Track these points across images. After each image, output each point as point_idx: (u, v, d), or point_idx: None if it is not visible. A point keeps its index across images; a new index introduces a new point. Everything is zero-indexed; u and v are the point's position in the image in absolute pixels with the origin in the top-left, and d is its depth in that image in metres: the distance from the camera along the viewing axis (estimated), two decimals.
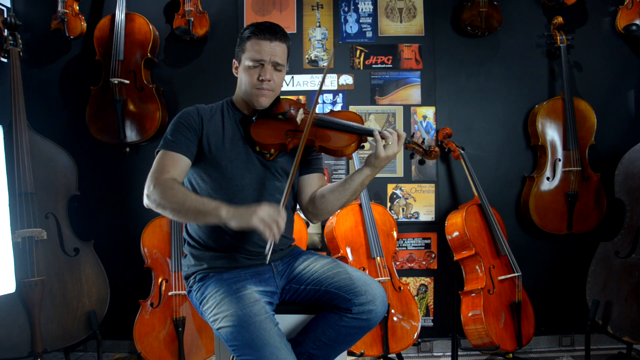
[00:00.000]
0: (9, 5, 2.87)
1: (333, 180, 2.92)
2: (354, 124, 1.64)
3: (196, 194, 1.56)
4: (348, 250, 2.57)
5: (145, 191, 1.53)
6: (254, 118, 1.64)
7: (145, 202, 1.54)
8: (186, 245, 1.68)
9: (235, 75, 1.70)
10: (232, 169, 1.61)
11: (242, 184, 1.62)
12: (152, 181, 1.53)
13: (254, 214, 1.38)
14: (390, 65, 2.97)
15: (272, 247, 1.42)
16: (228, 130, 1.64)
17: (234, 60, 1.70)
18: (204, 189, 1.63)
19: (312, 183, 1.75)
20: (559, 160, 2.79)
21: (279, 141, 1.61)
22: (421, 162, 1.71)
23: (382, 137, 1.58)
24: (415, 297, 2.93)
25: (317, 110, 1.68)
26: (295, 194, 1.79)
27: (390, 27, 2.99)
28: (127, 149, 2.84)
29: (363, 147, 1.70)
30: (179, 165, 1.57)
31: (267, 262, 1.53)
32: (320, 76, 2.94)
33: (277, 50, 1.61)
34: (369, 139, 1.63)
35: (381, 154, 1.57)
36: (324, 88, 2.95)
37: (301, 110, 1.67)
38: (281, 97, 1.72)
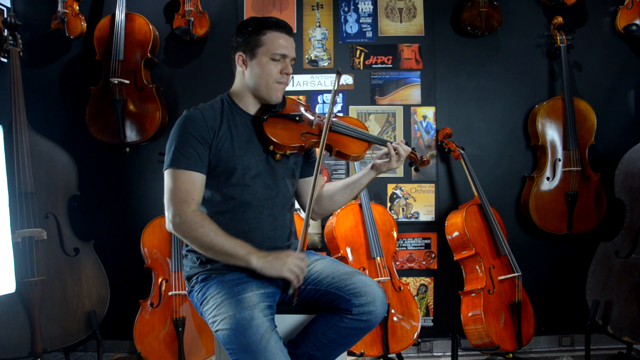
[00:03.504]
0: (9, 5, 2.87)
1: (332, 180, 2.92)
2: (367, 132, 1.77)
3: (225, 233, 1.51)
4: (348, 250, 2.57)
5: (171, 220, 1.50)
6: (265, 117, 1.61)
7: (170, 229, 1.52)
8: (188, 247, 1.64)
9: (241, 68, 1.64)
10: (244, 174, 1.58)
11: (255, 191, 1.60)
12: (179, 214, 1.49)
13: (284, 266, 1.49)
14: (390, 65, 2.97)
15: (295, 291, 1.54)
16: (236, 132, 1.60)
17: (238, 53, 1.63)
18: (213, 199, 1.59)
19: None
20: (559, 160, 2.79)
21: (297, 143, 1.62)
22: (416, 170, 1.86)
23: (395, 151, 1.72)
24: (415, 297, 2.93)
25: (319, 111, 1.72)
26: (297, 196, 1.81)
27: (390, 27, 2.99)
28: (127, 149, 2.84)
29: None
30: (199, 186, 1.54)
31: (294, 305, 1.61)
32: (320, 76, 2.95)
33: (293, 45, 1.65)
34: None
35: (393, 165, 1.73)
36: (323, 88, 2.95)
37: (314, 113, 1.72)
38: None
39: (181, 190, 1.51)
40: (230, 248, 1.48)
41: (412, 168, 1.85)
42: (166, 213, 1.52)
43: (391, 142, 1.73)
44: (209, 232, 1.49)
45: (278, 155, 1.63)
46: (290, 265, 1.49)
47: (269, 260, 1.49)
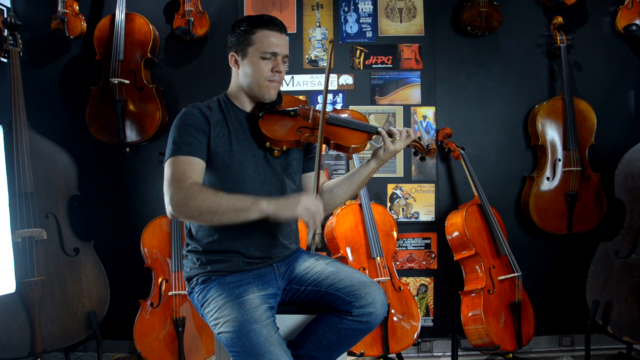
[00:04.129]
0: (9, 5, 2.87)
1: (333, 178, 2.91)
2: (362, 122, 1.74)
3: (225, 193, 1.46)
4: (348, 250, 2.57)
5: (169, 202, 1.44)
6: (260, 114, 1.62)
7: (171, 212, 1.45)
8: (188, 247, 1.65)
9: (235, 68, 1.65)
10: (242, 171, 1.59)
11: (253, 187, 1.60)
12: (176, 190, 1.44)
13: (298, 204, 1.42)
14: (390, 65, 2.97)
15: (315, 236, 1.46)
16: (233, 130, 1.61)
17: (231, 53, 1.64)
18: None
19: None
20: (559, 160, 2.79)
21: (293, 138, 1.62)
22: (422, 159, 1.85)
23: (390, 135, 1.68)
24: (415, 297, 2.93)
25: (318, 108, 1.71)
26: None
27: (390, 27, 2.99)
28: (127, 149, 2.84)
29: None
30: (197, 168, 1.52)
31: (313, 252, 1.55)
32: (320, 76, 2.95)
33: (286, 42, 1.63)
34: (373, 136, 1.74)
35: (390, 148, 1.67)
36: (323, 87, 2.94)
37: (310, 107, 1.72)
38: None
39: (178, 172, 1.48)
40: (236, 203, 1.44)
41: (418, 157, 1.84)
42: (165, 199, 1.47)
43: (385, 128, 1.71)
44: (208, 194, 1.44)
45: (276, 151, 1.64)
46: (305, 203, 1.42)
47: (281, 202, 1.44)
